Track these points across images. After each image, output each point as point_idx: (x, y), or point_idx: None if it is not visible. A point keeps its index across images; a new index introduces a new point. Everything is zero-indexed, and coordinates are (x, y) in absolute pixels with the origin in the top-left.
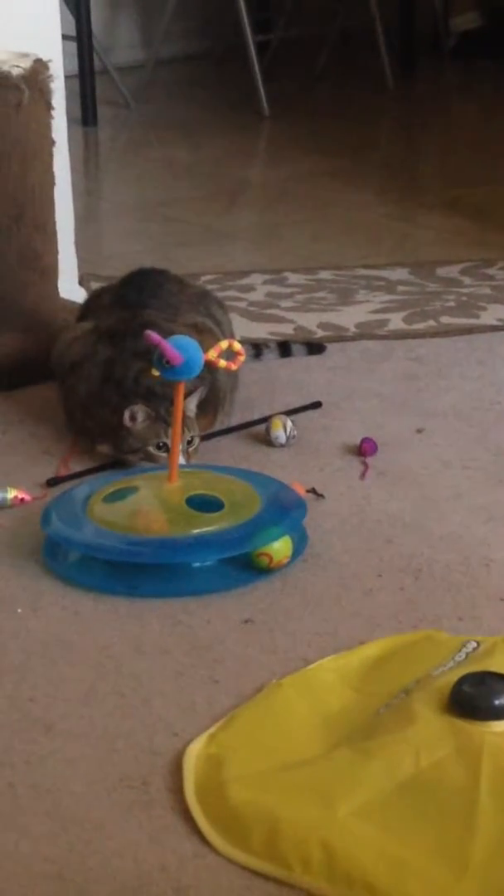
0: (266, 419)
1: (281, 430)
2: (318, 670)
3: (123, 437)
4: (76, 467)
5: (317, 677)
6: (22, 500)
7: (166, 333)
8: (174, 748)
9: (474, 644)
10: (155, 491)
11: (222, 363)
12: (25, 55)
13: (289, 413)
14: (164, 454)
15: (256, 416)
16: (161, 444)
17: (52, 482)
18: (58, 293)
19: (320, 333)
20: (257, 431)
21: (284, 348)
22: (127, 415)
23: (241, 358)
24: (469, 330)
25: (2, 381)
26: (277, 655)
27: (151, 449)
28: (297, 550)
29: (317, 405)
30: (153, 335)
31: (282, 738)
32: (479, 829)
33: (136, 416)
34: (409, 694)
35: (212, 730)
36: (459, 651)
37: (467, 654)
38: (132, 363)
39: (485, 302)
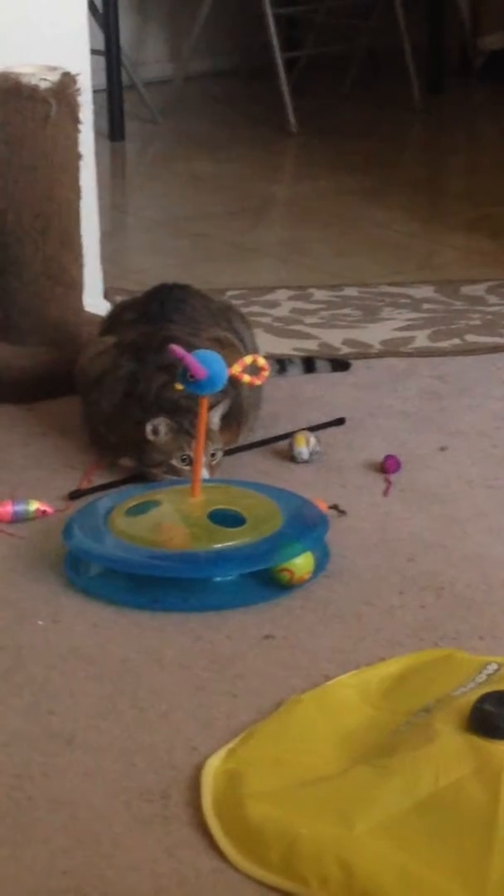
0: (289, 435)
1: (304, 446)
2: (337, 686)
3: (147, 450)
4: (98, 480)
5: (336, 694)
6: (44, 512)
7: (190, 348)
8: (193, 763)
9: (495, 666)
10: (177, 505)
11: (246, 378)
12: (54, 69)
13: (312, 429)
14: (188, 467)
15: (280, 432)
16: (184, 457)
17: (75, 495)
18: (83, 307)
19: (345, 350)
20: (280, 447)
21: (309, 364)
22: (149, 428)
23: (266, 373)
24: (494, 349)
25: (26, 394)
26: (297, 671)
27: (175, 462)
28: (319, 567)
29: (340, 422)
30: (178, 349)
31: (300, 754)
32: (497, 848)
33: (159, 429)
34: (430, 713)
35: (231, 745)
36: (480, 672)
37: (488, 675)
38: (155, 377)
39: None
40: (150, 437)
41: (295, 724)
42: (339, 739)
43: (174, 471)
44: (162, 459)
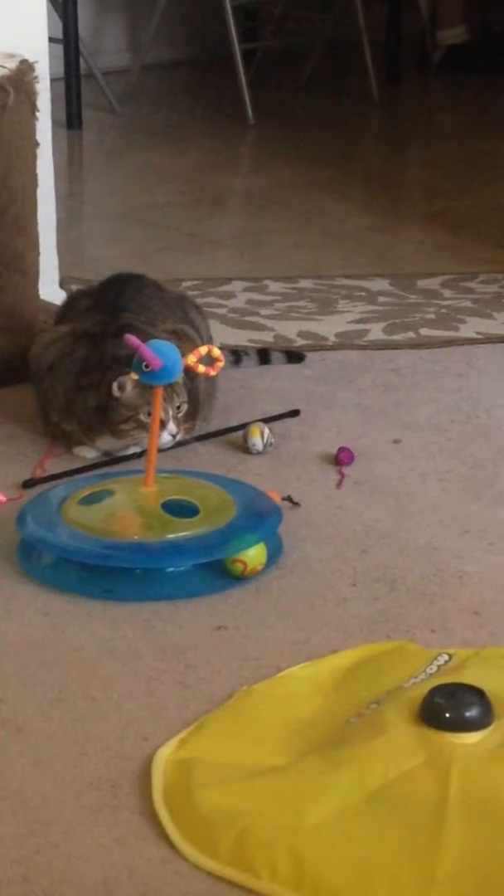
0: (244, 426)
1: (258, 437)
2: (289, 678)
3: (114, 407)
4: (52, 470)
5: (288, 685)
6: None
7: (146, 337)
8: (144, 753)
9: (446, 657)
10: (131, 495)
11: (201, 368)
12: (11, 56)
13: (266, 421)
14: None
15: (234, 423)
16: (151, 412)
17: (28, 484)
18: (38, 295)
19: (300, 342)
20: (235, 438)
21: (264, 356)
22: (115, 385)
23: (220, 364)
24: (448, 342)
25: None
26: (249, 662)
27: (142, 417)
28: (272, 558)
29: (295, 413)
30: (133, 339)
31: (251, 745)
32: (446, 841)
33: (125, 385)
34: (380, 705)
35: (181, 735)
36: (431, 664)
37: (439, 666)
38: (112, 367)
39: (464, 315)
40: (117, 393)
41: (246, 715)
42: (290, 731)
43: (142, 426)
44: (129, 415)
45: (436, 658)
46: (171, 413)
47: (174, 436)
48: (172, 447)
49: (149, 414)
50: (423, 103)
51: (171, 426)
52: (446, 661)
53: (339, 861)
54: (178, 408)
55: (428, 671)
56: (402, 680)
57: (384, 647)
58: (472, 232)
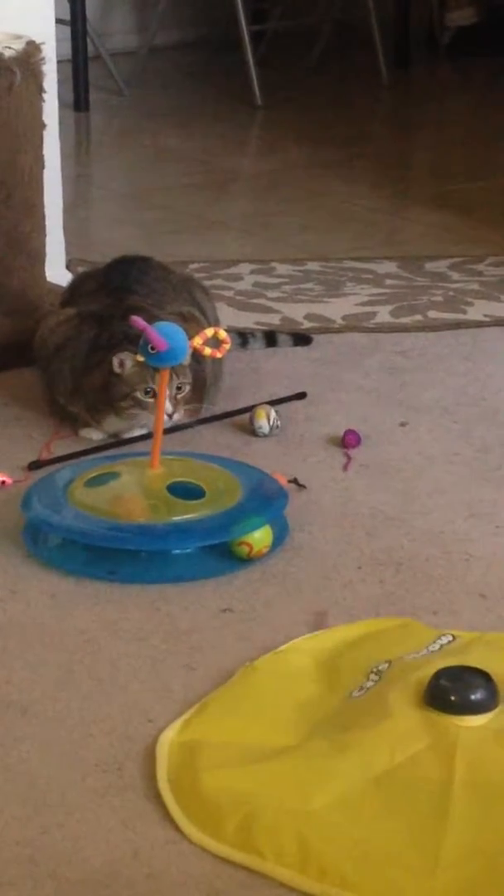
0: (250, 409)
1: (265, 419)
2: (291, 651)
3: (114, 384)
4: (59, 451)
5: (290, 660)
6: (3, 482)
7: (152, 319)
8: (149, 734)
9: (450, 637)
10: (136, 477)
11: (207, 351)
12: (19, 37)
13: (273, 403)
14: (152, 400)
15: (241, 406)
16: (148, 390)
17: (35, 466)
18: (45, 277)
19: (307, 324)
20: (241, 420)
21: (270, 338)
22: (116, 361)
23: (227, 346)
24: (456, 325)
25: None
26: (255, 644)
27: (139, 395)
28: (278, 540)
29: (301, 396)
30: (139, 320)
31: (255, 726)
32: (451, 824)
33: (125, 362)
34: (381, 676)
35: (186, 716)
36: (434, 642)
37: (442, 645)
38: (121, 333)
39: (472, 297)
40: (117, 369)
41: (249, 694)
42: (293, 708)
43: (139, 403)
44: (127, 392)
45: (439, 637)
46: (169, 393)
47: (170, 416)
48: (177, 430)
49: (146, 392)
50: (432, 85)
51: (168, 406)
52: (449, 642)
53: (345, 844)
54: (179, 388)
55: (430, 648)
56: (403, 653)
57: (388, 622)
58: (481, 214)
